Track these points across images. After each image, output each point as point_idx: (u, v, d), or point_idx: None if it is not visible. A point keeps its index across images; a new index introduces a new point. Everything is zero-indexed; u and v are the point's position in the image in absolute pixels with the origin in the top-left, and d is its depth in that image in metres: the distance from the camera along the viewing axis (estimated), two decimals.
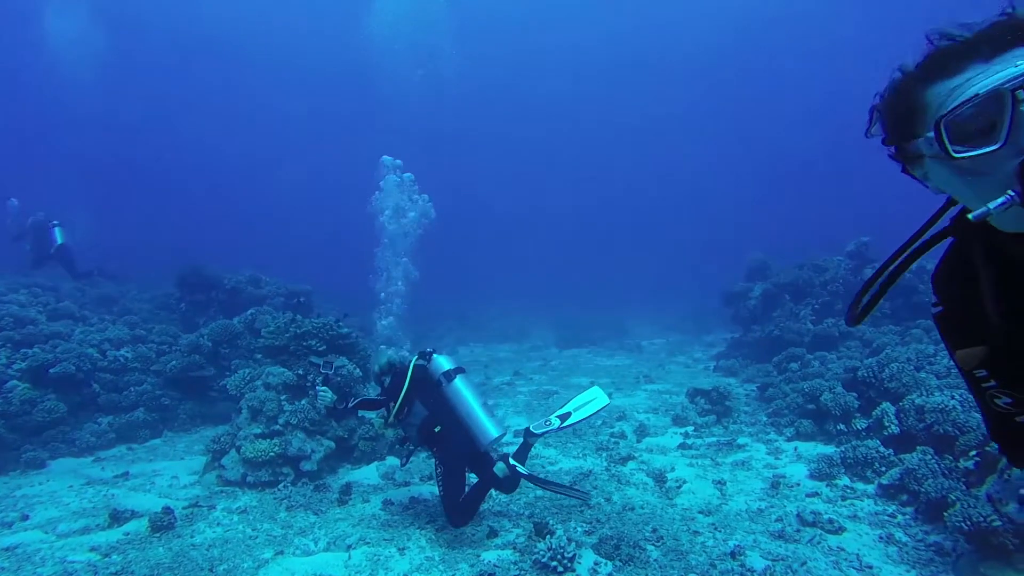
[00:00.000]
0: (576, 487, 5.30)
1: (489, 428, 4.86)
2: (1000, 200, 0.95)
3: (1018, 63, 0.93)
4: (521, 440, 5.59)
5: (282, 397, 7.05)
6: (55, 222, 12.98)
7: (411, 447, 5.22)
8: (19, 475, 6.94)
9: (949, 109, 0.97)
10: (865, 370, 6.69)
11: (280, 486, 6.33)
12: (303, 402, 7.00)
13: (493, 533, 4.95)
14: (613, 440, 7.45)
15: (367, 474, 6.75)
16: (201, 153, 55.17)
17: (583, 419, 5.67)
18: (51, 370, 8.20)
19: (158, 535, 5.12)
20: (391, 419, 5.14)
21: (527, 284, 37.32)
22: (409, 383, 5.00)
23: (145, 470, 7.12)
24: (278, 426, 6.82)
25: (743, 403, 8.82)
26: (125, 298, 13.86)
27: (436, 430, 4.89)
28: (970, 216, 1.00)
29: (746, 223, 51.86)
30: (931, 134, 1.00)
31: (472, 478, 5.05)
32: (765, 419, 7.94)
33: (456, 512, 4.76)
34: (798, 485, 5.58)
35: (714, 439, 7.30)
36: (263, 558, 4.70)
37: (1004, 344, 1.13)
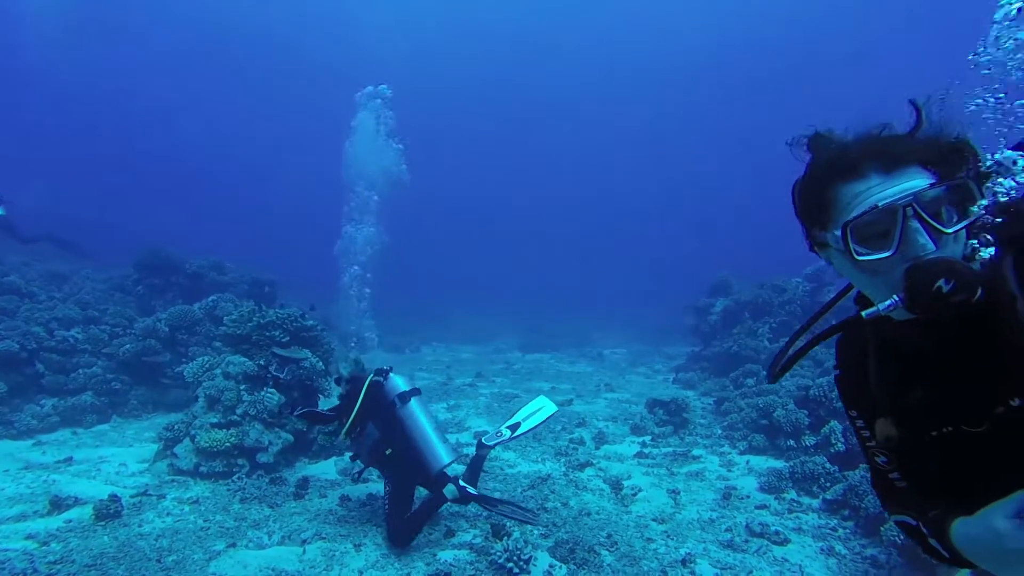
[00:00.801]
0: (523, 507, 5.12)
1: (441, 453, 4.88)
2: (887, 303, 1.10)
3: (912, 181, 1.08)
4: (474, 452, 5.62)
5: (242, 387, 6.90)
6: None
7: (361, 465, 5.23)
8: None
9: (853, 216, 1.11)
10: (816, 389, 6.97)
11: (235, 477, 6.21)
12: (263, 393, 6.89)
13: (450, 533, 4.97)
14: (572, 446, 7.55)
15: (325, 469, 6.68)
16: (169, 134, 53.48)
17: (532, 428, 5.77)
18: None
19: (103, 523, 4.96)
20: (341, 436, 5.12)
21: (494, 286, 37.42)
22: (362, 401, 4.97)
23: (91, 456, 6.87)
24: (236, 416, 6.68)
25: (700, 415, 9.05)
26: (77, 276, 13.35)
27: (387, 453, 4.90)
28: (863, 314, 1.17)
29: (719, 238, 53.19)
30: (838, 232, 1.14)
31: (421, 492, 5.02)
32: (720, 432, 8.17)
33: (398, 532, 4.66)
34: (748, 497, 5.77)
35: (670, 449, 7.47)
36: (215, 550, 4.61)
37: (883, 414, 1.29)
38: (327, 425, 5.57)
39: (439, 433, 5.06)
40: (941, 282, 1.01)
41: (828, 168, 1.17)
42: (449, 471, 4.95)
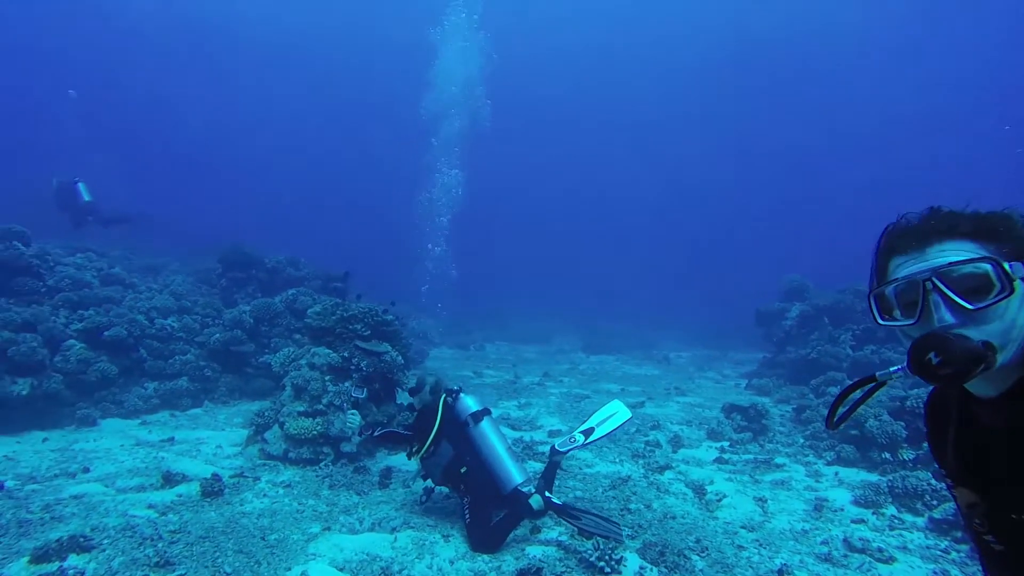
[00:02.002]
0: (607, 519, 4.97)
1: (514, 473, 4.93)
2: (894, 368, 1.19)
3: (944, 257, 1.15)
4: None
5: (326, 378, 7.17)
6: (76, 179, 13.51)
7: (431, 485, 5.29)
8: (74, 430, 7.20)
9: (879, 285, 1.24)
10: (915, 400, 6.60)
11: (322, 465, 6.46)
12: (346, 384, 7.14)
13: (536, 529, 5.00)
14: (649, 448, 7.46)
15: (404, 460, 6.82)
16: (238, 139, 56.08)
17: (606, 434, 5.68)
18: (105, 333, 8.46)
19: (208, 500, 5.27)
20: (418, 457, 5.21)
21: (546, 285, 37.41)
22: (440, 423, 5.08)
23: (189, 437, 7.31)
24: (321, 406, 6.94)
25: (778, 423, 8.75)
26: (167, 269, 14.22)
27: (462, 471, 4.98)
28: (877, 374, 1.29)
29: (780, 241, 51.34)
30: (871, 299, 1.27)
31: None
32: (802, 441, 7.87)
33: (483, 543, 4.65)
34: (842, 510, 5.52)
35: (751, 456, 7.26)
36: (311, 532, 4.80)
37: (960, 484, 1.32)
38: (404, 446, 5.58)
39: (511, 452, 5.10)
40: (931, 355, 1.07)
41: (883, 240, 1.28)
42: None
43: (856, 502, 5.66)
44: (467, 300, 24.14)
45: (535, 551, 4.63)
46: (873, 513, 5.40)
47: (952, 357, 1.05)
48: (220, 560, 4.18)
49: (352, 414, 5.78)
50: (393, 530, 4.95)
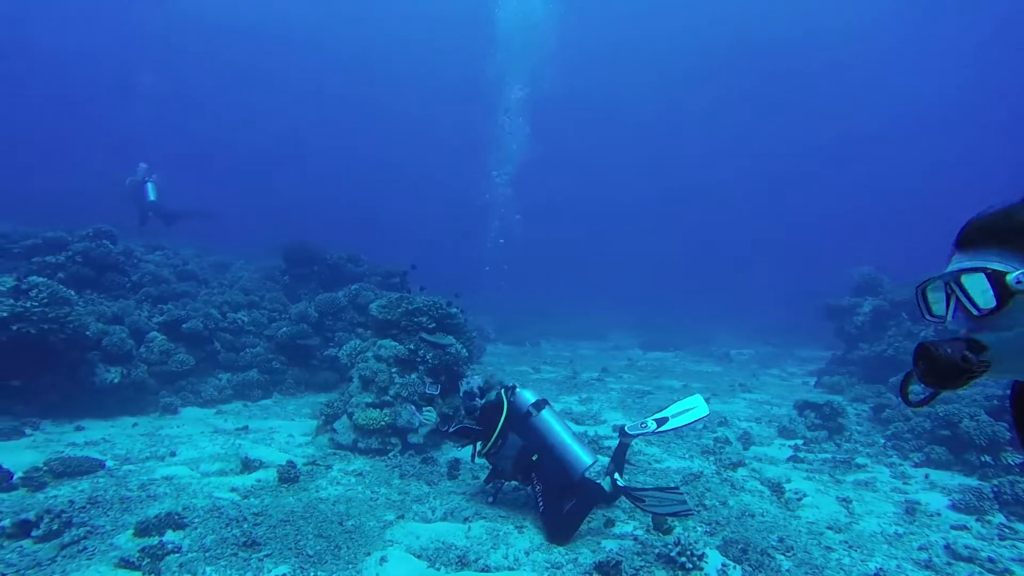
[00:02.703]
0: (674, 489, 4.91)
1: (583, 456, 4.94)
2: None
3: (966, 263, 1.19)
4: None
5: (393, 370, 7.27)
6: (148, 179, 14.12)
7: (500, 481, 5.29)
8: (158, 417, 7.55)
9: (924, 280, 1.32)
10: None
11: (390, 455, 6.55)
12: (413, 376, 7.21)
13: (610, 523, 4.90)
14: (718, 445, 7.22)
15: (468, 454, 6.84)
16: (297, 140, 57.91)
17: (679, 427, 5.52)
18: (183, 325, 8.85)
19: (285, 486, 5.41)
20: (485, 451, 5.24)
21: (605, 284, 37.06)
22: (506, 416, 5.16)
23: (262, 426, 7.54)
24: (388, 397, 7.04)
25: (854, 422, 8.32)
26: (234, 266, 14.79)
27: (533, 459, 5.00)
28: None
29: (843, 234, 49.28)
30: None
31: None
32: (883, 441, 7.45)
33: (558, 530, 4.65)
34: (939, 515, 5.18)
35: (828, 455, 6.93)
36: (386, 519, 4.86)
37: None
38: (470, 441, 5.58)
39: (576, 437, 5.12)
40: (921, 363, 1.16)
41: (958, 239, 1.29)
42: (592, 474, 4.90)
43: (955, 507, 5.29)
44: (523, 297, 24.20)
45: (610, 544, 4.53)
46: (977, 520, 5.03)
47: (933, 366, 1.13)
48: (302, 543, 4.27)
49: (428, 410, 5.88)
50: (466, 520, 4.95)
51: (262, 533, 4.32)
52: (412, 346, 7.35)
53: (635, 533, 4.75)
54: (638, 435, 5.47)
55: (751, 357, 17.10)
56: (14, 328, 6.32)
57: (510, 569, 4.16)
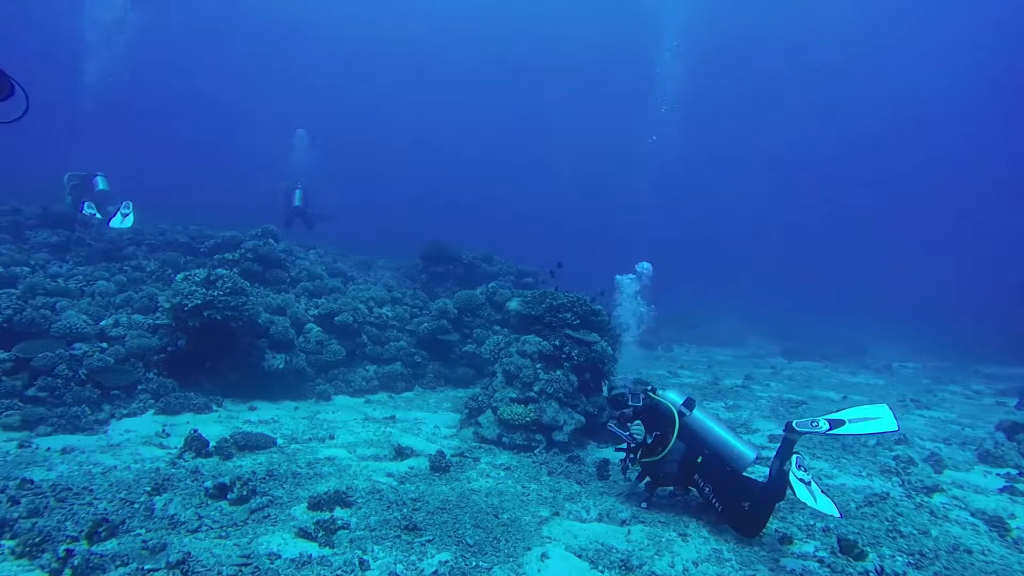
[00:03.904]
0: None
1: (745, 451, 4.81)
2: None
3: None
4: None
5: (537, 366, 7.16)
6: (296, 187, 15.46)
7: (654, 488, 5.08)
8: (315, 403, 8.05)
9: None
10: None
11: (536, 451, 6.42)
12: (558, 373, 7.05)
13: (786, 539, 4.38)
14: (900, 465, 6.31)
15: (618, 454, 6.52)
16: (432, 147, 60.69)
17: (855, 435, 4.81)
18: (336, 318, 9.41)
19: (437, 474, 5.45)
20: (659, 456, 4.95)
21: (734, 288, 35.00)
22: (652, 419, 5.03)
23: (408, 417, 7.75)
24: (533, 393, 6.93)
25: None
26: (376, 265, 15.64)
27: (698, 460, 4.80)
28: None
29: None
30: None
31: None
32: None
33: (746, 524, 4.39)
34: None
35: None
36: (541, 515, 4.70)
37: None
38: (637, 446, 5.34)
39: (734, 433, 4.98)
40: None
41: None
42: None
43: None
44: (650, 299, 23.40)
45: (792, 563, 4.03)
46: None
47: None
48: (461, 532, 4.22)
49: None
50: (623, 523, 4.67)
51: (421, 519, 4.34)
52: (557, 342, 7.20)
53: (818, 555, 4.19)
54: (806, 433, 4.89)
55: (918, 371, 15.11)
56: (205, 314, 7.02)
57: None
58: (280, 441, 5.98)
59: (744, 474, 4.84)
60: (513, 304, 8.19)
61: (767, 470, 4.67)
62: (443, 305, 10.71)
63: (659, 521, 4.73)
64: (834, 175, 55.39)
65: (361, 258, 15.63)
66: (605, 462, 5.97)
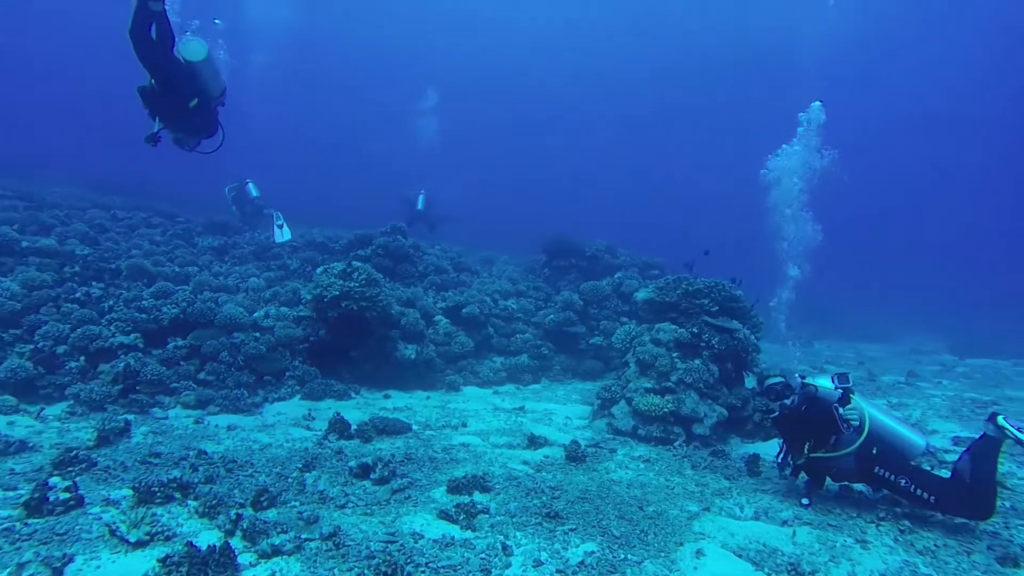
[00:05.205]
0: None
1: (916, 438, 4.45)
2: None
3: None
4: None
5: (674, 354, 6.71)
6: (419, 192, 16.31)
7: (818, 485, 4.62)
8: (444, 393, 8.16)
9: None
10: None
11: (676, 444, 5.98)
12: (696, 362, 6.54)
13: (1010, 559, 3.61)
14: None
15: (767, 450, 5.90)
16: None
17: None
18: (463, 310, 9.52)
19: (574, 464, 5.22)
20: (833, 453, 4.45)
21: (882, 280, 31.47)
22: (813, 413, 4.56)
23: (537, 408, 7.59)
24: (670, 383, 6.49)
25: None
26: (498, 260, 15.77)
27: (873, 452, 4.35)
28: None
29: None
30: None
31: None
32: None
33: (973, 504, 3.96)
34: None
35: None
36: (689, 510, 4.30)
37: None
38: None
39: (898, 419, 4.63)
40: None
41: None
42: None
43: None
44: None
45: None
46: None
47: None
48: (605, 523, 3.95)
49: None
50: (784, 523, 4.15)
51: (562, 507, 4.12)
52: (695, 329, 6.70)
53: None
54: (1012, 437, 4.09)
55: None
56: (343, 305, 7.36)
57: None
58: (415, 427, 6.07)
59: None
60: (642, 294, 7.78)
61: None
62: (568, 297, 10.48)
63: (828, 524, 4.14)
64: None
65: (483, 255, 15.84)
66: (755, 457, 5.41)
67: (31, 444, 4.75)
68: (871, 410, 4.52)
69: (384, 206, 17.82)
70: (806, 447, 4.51)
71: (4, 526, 3.30)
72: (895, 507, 4.39)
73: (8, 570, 2.78)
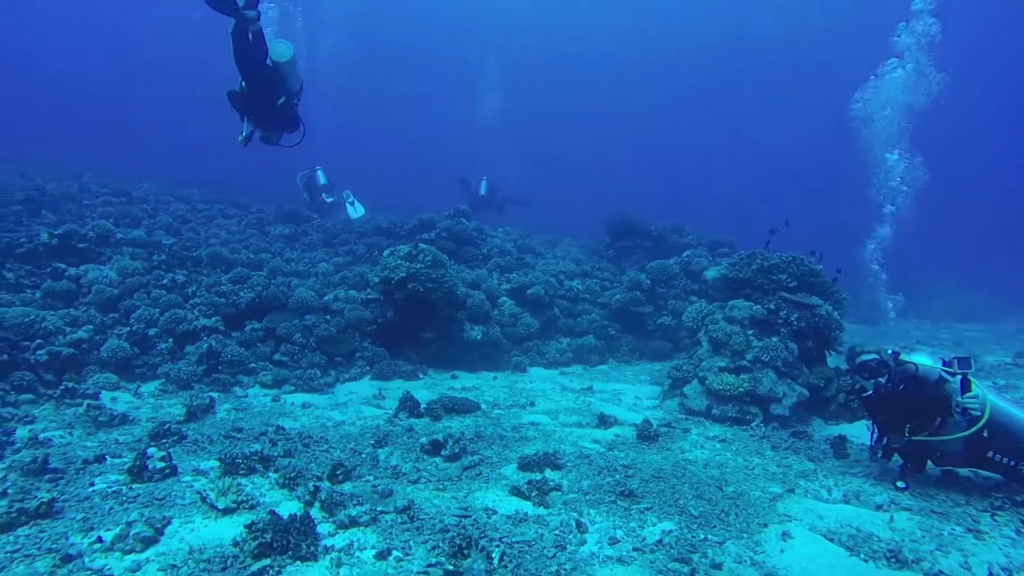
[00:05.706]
0: None
1: None
2: None
3: None
4: None
5: (749, 332, 6.40)
6: (483, 177, 16.63)
7: (917, 469, 4.35)
8: (511, 373, 8.15)
9: None
10: None
11: (754, 425, 5.72)
12: (774, 340, 6.21)
13: None
14: None
15: (854, 432, 5.53)
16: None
17: None
18: (528, 291, 9.46)
19: (646, 443, 5.08)
20: (941, 436, 4.11)
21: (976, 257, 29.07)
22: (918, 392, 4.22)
23: (605, 388, 7.45)
24: (745, 362, 6.21)
25: None
26: (562, 243, 15.61)
27: (984, 435, 4.01)
28: None
29: None
30: None
31: None
32: None
33: None
34: None
35: None
36: (772, 491, 4.09)
37: None
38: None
39: (1009, 400, 4.21)
40: None
41: None
42: None
43: None
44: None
45: None
46: None
47: None
48: (682, 502, 3.81)
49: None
50: (879, 508, 3.88)
51: (636, 486, 4.01)
52: (772, 306, 6.36)
53: None
54: None
55: None
56: (409, 287, 7.45)
57: None
58: (483, 406, 6.08)
59: None
60: (712, 272, 7.49)
61: None
62: (635, 277, 10.22)
63: (932, 511, 3.83)
64: None
65: (546, 237, 15.71)
66: (841, 438, 5.08)
67: (131, 417, 5.09)
68: (991, 396, 4.14)
69: (442, 193, 18.04)
70: (906, 429, 4.16)
71: (114, 489, 3.61)
72: (1014, 496, 4.01)
73: (120, 527, 3.02)
